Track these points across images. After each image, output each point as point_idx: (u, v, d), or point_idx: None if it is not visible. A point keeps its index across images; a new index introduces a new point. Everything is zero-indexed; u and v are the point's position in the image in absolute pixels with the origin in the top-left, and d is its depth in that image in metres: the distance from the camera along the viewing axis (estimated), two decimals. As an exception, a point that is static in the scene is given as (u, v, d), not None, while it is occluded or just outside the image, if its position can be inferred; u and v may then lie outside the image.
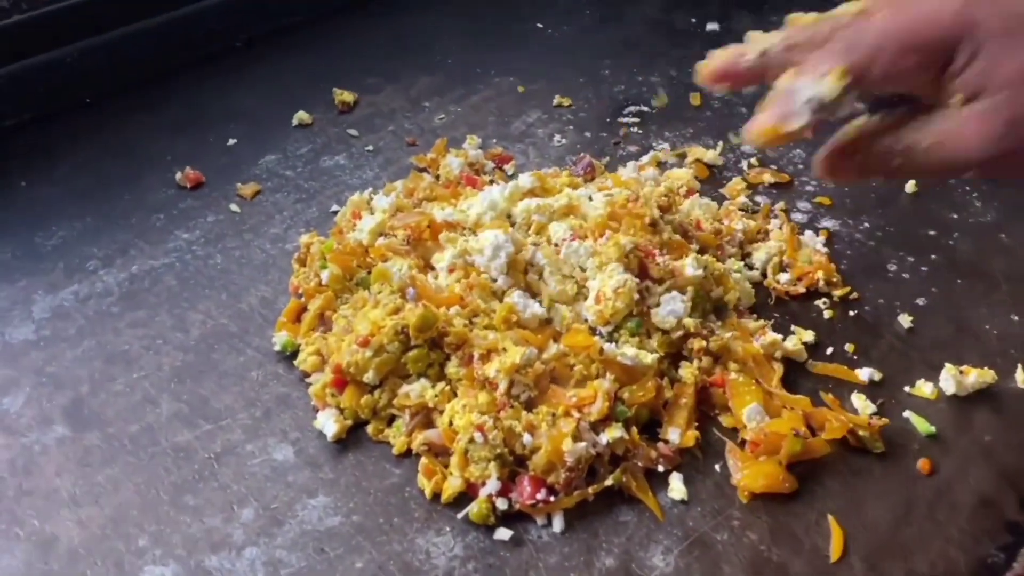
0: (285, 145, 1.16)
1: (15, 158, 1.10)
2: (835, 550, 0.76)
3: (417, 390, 0.82)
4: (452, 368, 0.83)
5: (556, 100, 1.28)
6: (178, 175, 1.09)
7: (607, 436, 0.80)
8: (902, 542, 0.77)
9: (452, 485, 0.77)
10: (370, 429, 0.83)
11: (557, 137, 1.22)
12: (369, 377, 0.82)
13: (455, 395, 0.82)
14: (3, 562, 0.71)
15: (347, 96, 1.24)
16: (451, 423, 0.79)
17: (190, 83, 1.25)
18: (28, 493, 0.76)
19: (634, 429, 0.82)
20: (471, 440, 0.77)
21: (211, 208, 1.05)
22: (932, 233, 1.09)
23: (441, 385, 0.83)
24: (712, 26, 1.50)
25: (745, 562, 0.75)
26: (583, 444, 0.78)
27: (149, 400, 0.84)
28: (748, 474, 0.81)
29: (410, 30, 1.44)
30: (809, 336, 0.94)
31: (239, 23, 1.34)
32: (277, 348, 0.89)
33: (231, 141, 1.15)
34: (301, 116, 1.20)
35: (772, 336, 0.91)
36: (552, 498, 0.77)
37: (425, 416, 0.82)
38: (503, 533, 0.75)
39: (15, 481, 0.76)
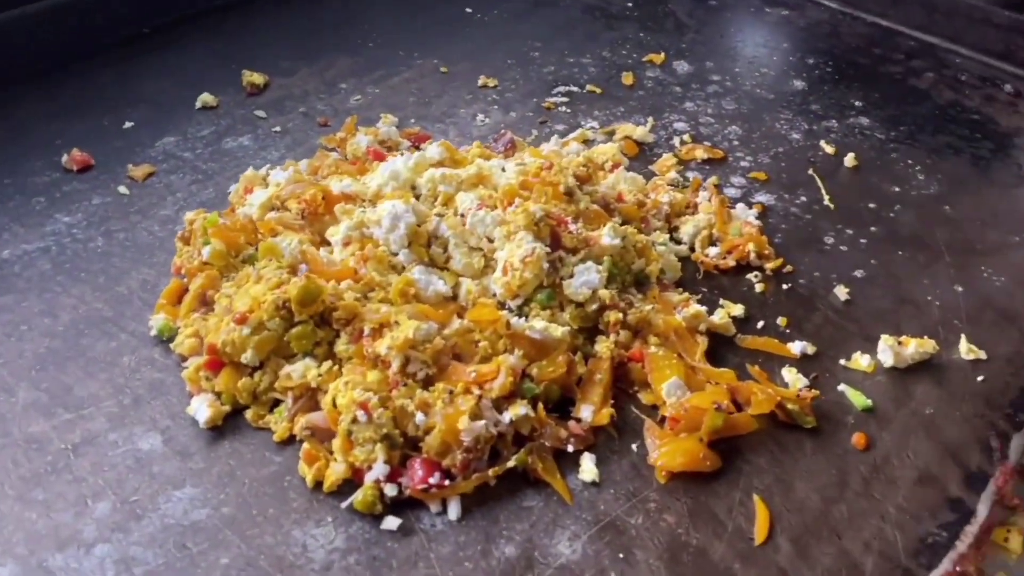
0: (186, 128, 1.09)
1: None
2: (760, 532, 0.69)
3: (300, 370, 0.74)
4: (341, 345, 0.76)
5: (481, 81, 1.22)
6: (64, 158, 1.01)
7: (510, 414, 0.72)
8: (834, 522, 0.70)
9: (335, 471, 0.70)
10: (249, 415, 0.75)
11: (480, 117, 1.15)
12: (247, 357, 0.75)
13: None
14: None
15: (256, 78, 1.17)
16: (334, 404, 0.71)
17: (90, 69, 1.18)
18: None
19: (541, 407, 0.74)
20: (354, 420, 0.69)
21: (98, 191, 0.98)
22: (872, 206, 1.04)
23: (328, 364, 0.75)
24: (647, 9, 1.45)
25: (661, 547, 0.67)
26: (482, 423, 0.71)
27: (4, 388, 0.76)
28: (666, 452, 0.73)
29: (331, 14, 1.38)
30: (738, 310, 0.88)
31: (146, 9, 1.27)
32: (154, 332, 0.81)
33: (127, 124, 1.08)
34: (205, 98, 1.13)
35: (696, 308, 0.84)
36: (447, 482, 0.69)
37: (310, 399, 0.74)
38: (391, 522, 0.67)
39: None
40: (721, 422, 0.74)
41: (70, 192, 0.98)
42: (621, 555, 0.67)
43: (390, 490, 0.69)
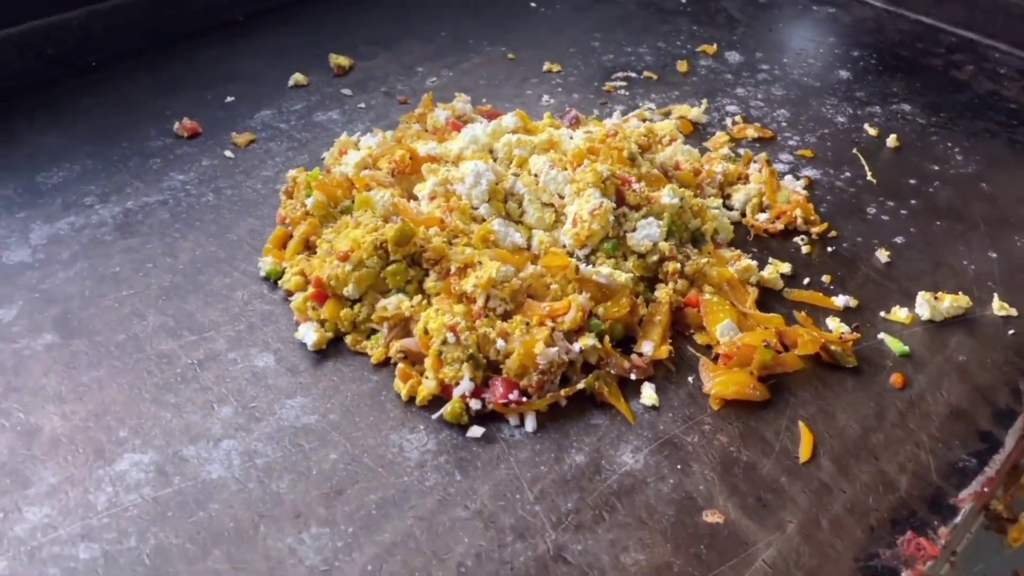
0: (280, 103, 1.20)
1: (22, 114, 1.14)
2: (804, 452, 0.77)
3: (394, 303, 0.84)
4: (430, 283, 0.85)
5: (546, 67, 1.32)
6: (176, 125, 1.13)
7: (580, 344, 0.81)
8: (872, 446, 0.78)
9: (426, 387, 0.79)
10: (349, 340, 0.85)
11: (545, 97, 1.25)
12: (349, 291, 0.84)
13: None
14: (-14, 448, 0.73)
15: (342, 60, 1.28)
16: (426, 330, 0.81)
17: (192, 50, 1.30)
18: (15, 390, 0.78)
19: (607, 340, 0.83)
20: (444, 342, 0.79)
21: (206, 154, 1.09)
22: (912, 182, 1.11)
23: (419, 298, 0.85)
24: (700, 5, 1.54)
25: (714, 460, 0.76)
26: (555, 349, 0.79)
27: (136, 314, 0.86)
28: (720, 382, 0.82)
29: (406, 6, 1.49)
30: (786, 267, 0.96)
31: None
32: (263, 272, 0.91)
33: (229, 99, 1.19)
34: (297, 78, 1.24)
35: (747, 262, 0.93)
36: (524, 399, 0.78)
37: (403, 328, 0.84)
38: (476, 431, 0.77)
39: (4, 379, 0.79)
40: (770, 358, 0.82)
41: (182, 155, 1.09)
42: (679, 466, 0.75)
43: (475, 404, 0.78)
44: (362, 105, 1.21)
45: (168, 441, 0.74)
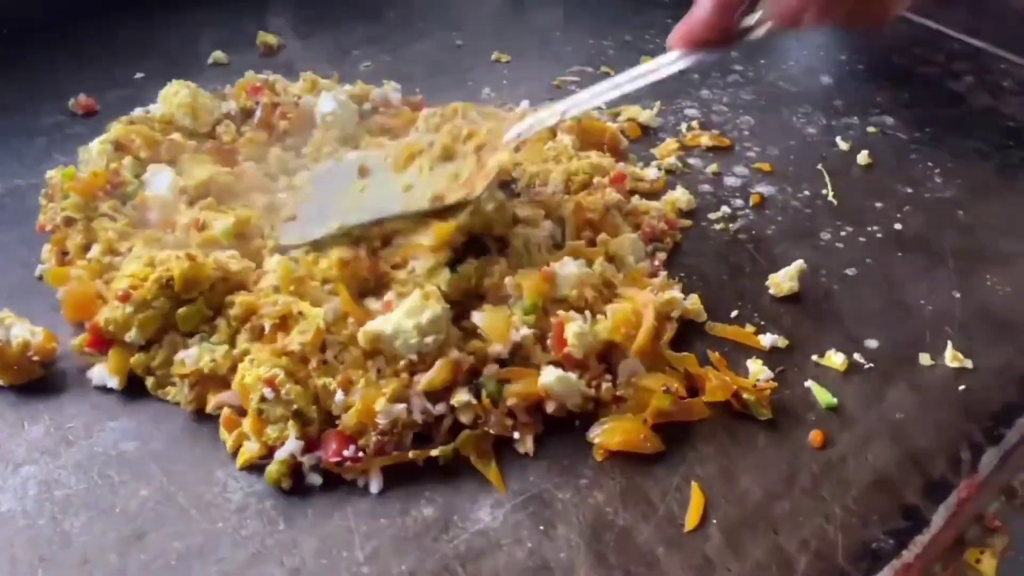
0: (197, 82, 1.10)
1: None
2: (692, 518, 0.66)
3: (194, 356, 0.71)
4: (243, 343, 0.73)
5: (494, 56, 1.21)
6: (71, 102, 1.04)
7: (454, 401, 0.70)
8: (773, 516, 0.67)
9: (249, 449, 0.68)
10: (149, 385, 0.72)
11: (486, 90, 1.14)
12: (132, 336, 0.72)
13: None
14: None
15: (270, 39, 1.18)
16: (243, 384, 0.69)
17: (107, 23, 1.20)
18: None
19: (486, 397, 0.71)
20: (262, 399, 0.67)
21: (98, 134, 1.00)
22: (879, 205, 0.99)
23: (223, 349, 0.72)
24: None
25: (584, 523, 0.65)
26: (400, 407, 0.68)
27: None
28: (606, 430, 0.71)
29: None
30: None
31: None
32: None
33: (138, 75, 1.10)
34: (217, 56, 1.15)
35: (673, 294, 0.81)
36: (361, 455, 0.67)
37: (213, 380, 0.71)
38: (314, 479, 0.67)
39: None
40: (669, 404, 0.71)
41: (72, 135, 1.00)
42: (542, 527, 0.65)
43: (310, 460, 0.67)
44: (279, 89, 1.11)
45: (-40, 463, 0.66)
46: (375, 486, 0.67)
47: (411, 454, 0.68)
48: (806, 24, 0.71)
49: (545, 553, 0.63)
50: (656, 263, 0.87)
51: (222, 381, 0.71)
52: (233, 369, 0.71)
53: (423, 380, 0.70)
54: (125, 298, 0.71)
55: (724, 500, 0.68)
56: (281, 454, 0.67)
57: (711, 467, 0.70)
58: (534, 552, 0.63)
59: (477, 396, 0.71)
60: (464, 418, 0.70)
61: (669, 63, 0.78)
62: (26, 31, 1.16)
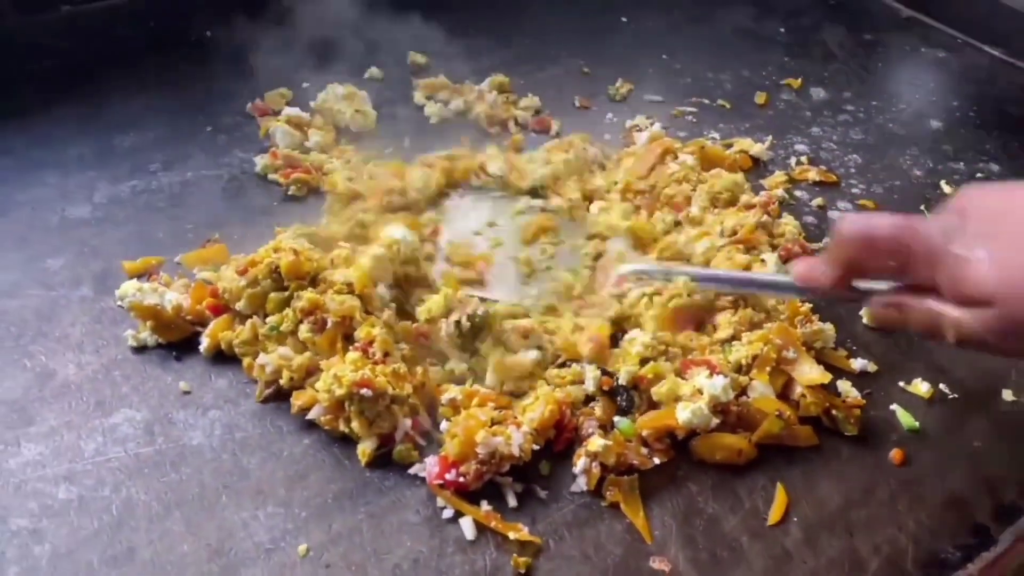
0: (355, 94, 1.24)
1: (118, 80, 1.23)
2: (775, 514, 0.74)
3: (272, 364, 0.80)
4: (304, 332, 0.81)
5: (618, 83, 1.30)
6: (248, 105, 1.19)
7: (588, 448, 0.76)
8: (849, 521, 0.74)
9: (367, 448, 0.76)
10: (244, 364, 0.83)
11: (609, 115, 1.24)
12: (241, 306, 0.84)
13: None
14: (3, 385, 0.80)
15: (420, 59, 1.32)
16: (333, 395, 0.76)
17: (280, 37, 1.33)
18: (43, 335, 0.85)
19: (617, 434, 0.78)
20: (361, 399, 0.75)
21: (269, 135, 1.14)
22: (977, 248, 1.04)
23: (301, 359, 0.80)
24: (799, 35, 1.49)
25: (677, 508, 0.74)
26: (499, 439, 0.74)
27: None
28: (708, 444, 0.78)
29: (501, 10, 1.49)
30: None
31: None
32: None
33: (305, 85, 1.25)
34: (372, 72, 1.29)
35: (820, 326, 0.89)
36: (461, 480, 0.73)
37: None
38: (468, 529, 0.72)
39: (36, 323, 0.86)
40: (779, 429, 0.79)
41: (249, 133, 1.15)
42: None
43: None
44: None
45: (162, 403, 0.80)
46: (469, 531, 0.71)
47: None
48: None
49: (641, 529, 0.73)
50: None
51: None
52: (308, 374, 0.80)
53: (533, 420, 0.76)
54: (243, 272, 0.83)
55: (805, 502, 0.75)
56: (399, 436, 0.76)
57: (796, 472, 0.78)
58: (631, 526, 0.73)
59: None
60: (606, 460, 0.75)
61: (782, 282, 0.81)
62: (218, 34, 1.31)
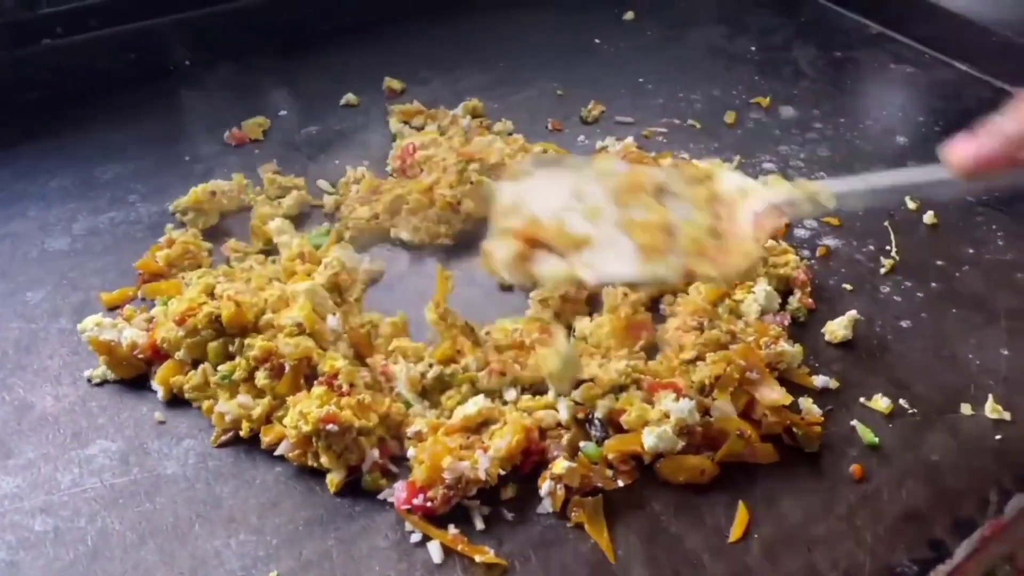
0: (330, 120, 1.27)
1: (101, 112, 1.26)
2: (736, 531, 0.76)
3: (232, 411, 0.81)
4: (261, 379, 0.81)
5: (590, 106, 1.33)
6: (225, 134, 1.21)
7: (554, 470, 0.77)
8: (809, 537, 0.76)
9: (336, 479, 0.77)
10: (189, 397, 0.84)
11: (581, 137, 1.27)
12: (181, 355, 0.84)
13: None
14: (-18, 417, 0.82)
15: (395, 84, 1.34)
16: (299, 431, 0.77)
17: (255, 64, 1.36)
18: (22, 367, 0.87)
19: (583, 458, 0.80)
20: (327, 435, 0.76)
21: (248, 163, 1.17)
22: (940, 263, 1.07)
23: (261, 404, 0.81)
24: (770, 54, 1.52)
25: (641, 528, 0.76)
26: (465, 464, 0.75)
27: (144, 309, 0.95)
28: (672, 466, 0.80)
29: (478, 36, 1.53)
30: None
31: (307, 17, 1.47)
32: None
33: (281, 112, 1.27)
34: (349, 97, 1.31)
35: (784, 347, 0.90)
36: (428, 505, 0.74)
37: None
38: (435, 553, 0.73)
39: (16, 356, 0.88)
40: (741, 448, 0.81)
41: (226, 162, 1.17)
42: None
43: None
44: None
45: (137, 433, 0.82)
46: (436, 555, 0.73)
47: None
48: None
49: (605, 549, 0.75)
50: (785, 322, 0.95)
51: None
52: (267, 418, 0.80)
53: (500, 448, 0.77)
54: (180, 322, 0.83)
55: (766, 519, 0.77)
56: (367, 466, 0.77)
57: (757, 490, 0.80)
58: (597, 547, 0.75)
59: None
60: (571, 482, 0.77)
61: (939, 177, 0.75)
62: (195, 67, 1.34)
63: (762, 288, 0.96)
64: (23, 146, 1.19)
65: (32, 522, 0.74)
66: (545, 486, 0.77)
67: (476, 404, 0.81)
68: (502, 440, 0.78)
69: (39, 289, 0.96)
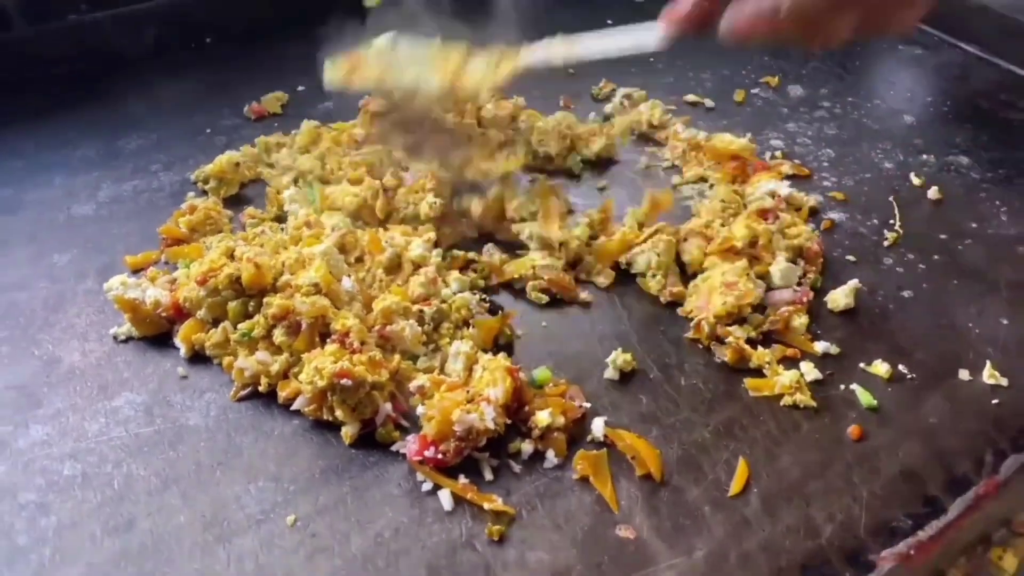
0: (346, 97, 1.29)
1: (127, 85, 1.30)
2: (735, 485, 0.79)
3: (251, 366, 0.83)
4: (279, 336, 0.84)
5: (602, 83, 1.35)
6: (245, 108, 1.25)
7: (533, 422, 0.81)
8: (807, 492, 0.79)
9: (350, 431, 0.80)
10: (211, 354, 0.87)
11: (592, 115, 1.29)
12: (202, 314, 0.87)
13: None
14: (13, 371, 0.85)
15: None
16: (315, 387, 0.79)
17: (281, 42, 1.40)
18: (50, 325, 0.91)
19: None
20: (342, 389, 0.79)
21: (267, 135, 1.20)
22: (943, 237, 1.08)
23: (280, 360, 0.83)
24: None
25: (643, 481, 0.79)
26: (473, 416, 0.78)
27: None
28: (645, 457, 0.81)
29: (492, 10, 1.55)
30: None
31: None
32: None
33: (300, 88, 1.30)
34: (362, 75, 1.34)
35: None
36: (440, 457, 0.77)
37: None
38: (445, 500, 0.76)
39: (44, 314, 0.92)
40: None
41: (245, 135, 1.20)
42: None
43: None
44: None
45: (161, 387, 0.85)
46: (447, 502, 0.76)
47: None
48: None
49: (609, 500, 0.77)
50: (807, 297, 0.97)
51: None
52: (285, 374, 0.83)
53: (498, 397, 0.80)
54: (202, 283, 0.86)
55: (765, 474, 0.80)
56: (380, 419, 0.80)
57: (758, 448, 0.82)
58: (600, 498, 0.77)
59: None
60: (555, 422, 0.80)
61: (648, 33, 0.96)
62: (221, 42, 1.38)
63: (779, 264, 0.98)
64: (48, 118, 1.23)
65: (61, 467, 0.77)
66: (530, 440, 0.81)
67: (460, 352, 0.86)
68: (496, 389, 0.80)
69: (66, 252, 1.00)
